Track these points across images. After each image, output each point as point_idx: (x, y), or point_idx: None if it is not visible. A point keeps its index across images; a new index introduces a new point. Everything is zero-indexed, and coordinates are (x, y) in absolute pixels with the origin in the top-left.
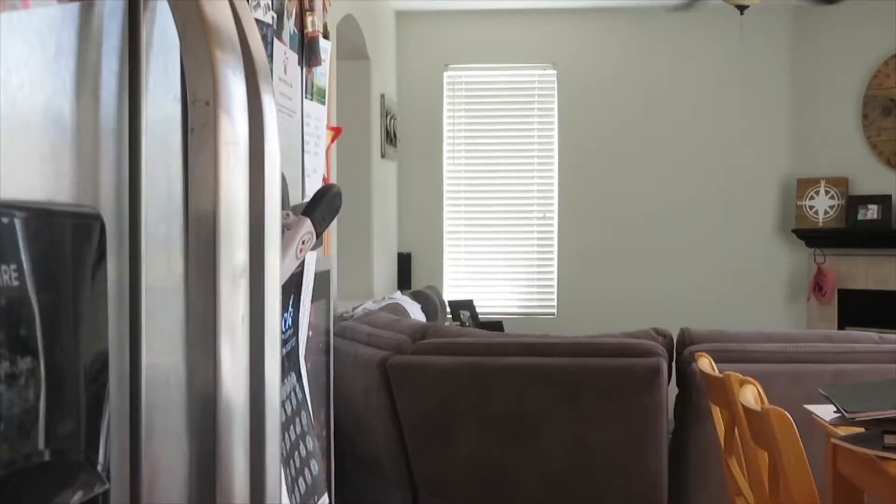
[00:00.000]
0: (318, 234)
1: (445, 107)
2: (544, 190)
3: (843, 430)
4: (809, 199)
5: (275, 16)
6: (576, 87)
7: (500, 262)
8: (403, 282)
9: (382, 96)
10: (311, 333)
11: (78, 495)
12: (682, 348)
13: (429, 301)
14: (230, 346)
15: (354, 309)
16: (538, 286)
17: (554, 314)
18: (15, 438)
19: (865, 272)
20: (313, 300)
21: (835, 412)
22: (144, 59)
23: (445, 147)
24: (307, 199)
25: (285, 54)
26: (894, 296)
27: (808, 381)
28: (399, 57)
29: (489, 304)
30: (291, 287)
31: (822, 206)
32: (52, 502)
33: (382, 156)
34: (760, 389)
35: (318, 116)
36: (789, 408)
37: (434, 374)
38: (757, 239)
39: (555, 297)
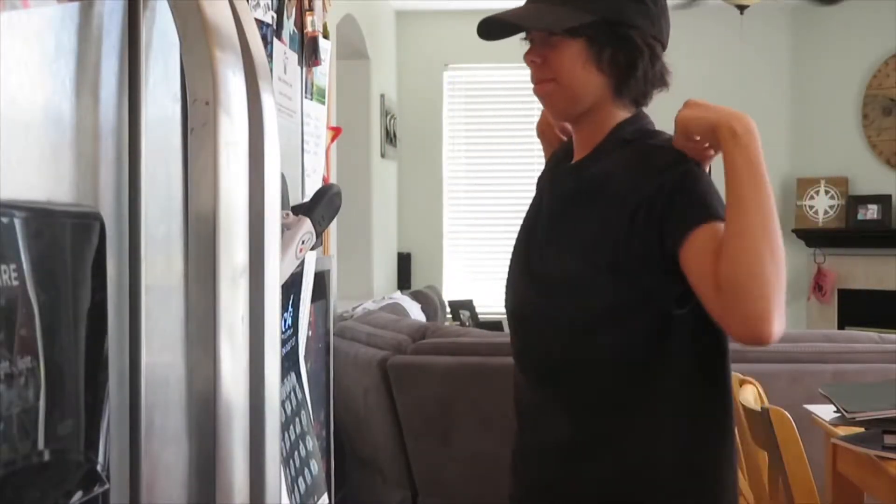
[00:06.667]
0: (318, 234)
1: (445, 107)
2: None
3: (843, 430)
4: (809, 198)
5: (275, 16)
6: None
7: (501, 262)
8: (403, 282)
9: (382, 96)
10: (311, 333)
11: (78, 495)
12: None
13: (429, 301)
14: (230, 346)
15: (354, 309)
16: None
17: None
18: (15, 438)
19: (865, 272)
20: (313, 300)
21: (835, 412)
22: (144, 59)
23: (445, 147)
24: (307, 199)
25: (285, 54)
26: (894, 296)
27: (808, 381)
28: (399, 57)
29: (489, 304)
30: (291, 287)
31: (822, 206)
32: (52, 502)
33: (382, 156)
34: (760, 389)
35: (318, 116)
36: (789, 408)
37: (434, 374)
38: None
39: None
